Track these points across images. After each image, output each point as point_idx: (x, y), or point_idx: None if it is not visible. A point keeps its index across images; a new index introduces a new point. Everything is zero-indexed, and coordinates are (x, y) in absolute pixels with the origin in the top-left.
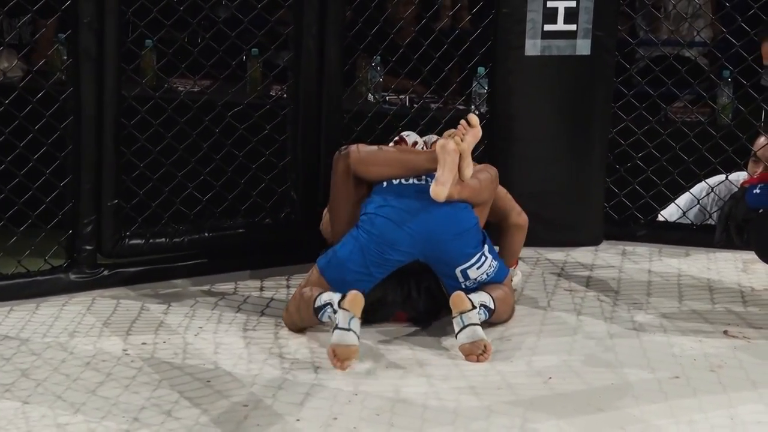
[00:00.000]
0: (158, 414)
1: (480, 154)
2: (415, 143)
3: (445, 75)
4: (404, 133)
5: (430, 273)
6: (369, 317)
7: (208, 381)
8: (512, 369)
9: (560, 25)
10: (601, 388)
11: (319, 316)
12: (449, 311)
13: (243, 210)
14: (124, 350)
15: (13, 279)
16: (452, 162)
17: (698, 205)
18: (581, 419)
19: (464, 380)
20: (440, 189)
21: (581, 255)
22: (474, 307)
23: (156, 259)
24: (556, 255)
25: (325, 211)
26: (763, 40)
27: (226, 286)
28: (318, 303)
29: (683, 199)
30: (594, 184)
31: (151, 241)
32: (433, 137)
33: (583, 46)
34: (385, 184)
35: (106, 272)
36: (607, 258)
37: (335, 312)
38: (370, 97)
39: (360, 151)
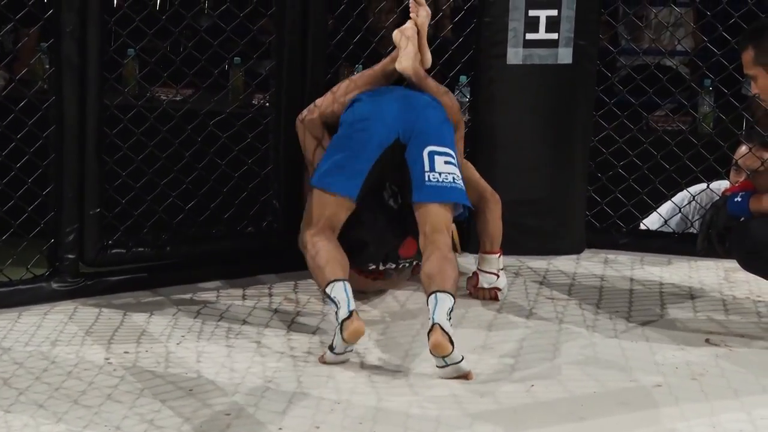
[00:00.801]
0: (140, 423)
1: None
2: None
3: None
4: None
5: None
6: (379, 262)
7: (191, 390)
8: (495, 377)
9: (542, 34)
10: (584, 396)
11: (324, 301)
12: None
13: (225, 218)
14: (107, 359)
15: None
16: (412, 34)
17: (680, 214)
18: (563, 427)
19: (447, 388)
20: (406, 61)
21: (563, 263)
22: (453, 347)
23: (138, 267)
24: (538, 263)
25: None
26: (743, 49)
27: (209, 295)
28: (328, 291)
29: (665, 208)
30: (576, 193)
31: (133, 249)
32: None
33: (565, 55)
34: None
35: (88, 281)
36: (589, 266)
37: (336, 333)
38: None
39: (318, 101)
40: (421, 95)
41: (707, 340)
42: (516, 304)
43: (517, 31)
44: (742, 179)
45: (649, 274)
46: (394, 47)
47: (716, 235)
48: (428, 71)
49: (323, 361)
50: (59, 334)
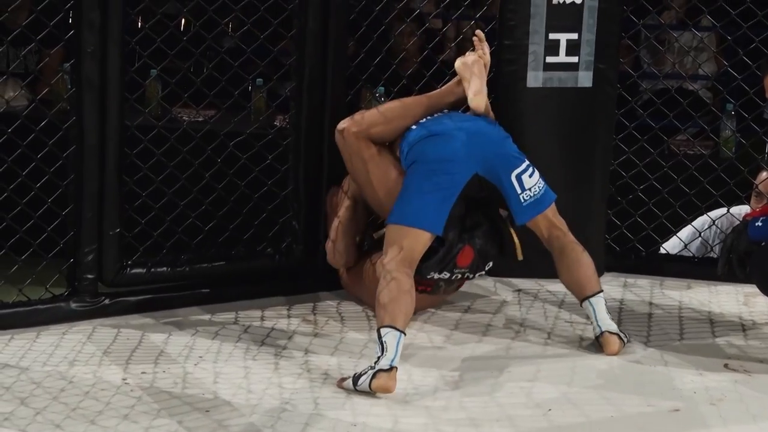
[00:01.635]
0: None
1: None
2: None
3: None
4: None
5: (482, 207)
6: (438, 270)
7: (207, 410)
8: (512, 401)
9: (562, 57)
10: (601, 420)
11: (376, 338)
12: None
13: (244, 239)
14: (124, 379)
15: (13, 307)
16: (479, 71)
17: (700, 238)
18: None
19: (463, 411)
20: (480, 97)
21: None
22: (624, 342)
23: (157, 288)
24: (557, 287)
25: (329, 242)
26: (765, 73)
27: (227, 316)
28: (383, 333)
29: (685, 232)
30: (595, 216)
31: (152, 270)
32: None
33: (585, 78)
34: (413, 127)
35: (107, 301)
36: (608, 290)
37: (367, 375)
38: None
39: (367, 115)
40: (483, 123)
41: (726, 365)
42: (534, 328)
43: (537, 54)
44: (763, 205)
45: (668, 299)
46: (417, 69)
47: (737, 260)
48: None
49: (341, 386)
50: (77, 354)
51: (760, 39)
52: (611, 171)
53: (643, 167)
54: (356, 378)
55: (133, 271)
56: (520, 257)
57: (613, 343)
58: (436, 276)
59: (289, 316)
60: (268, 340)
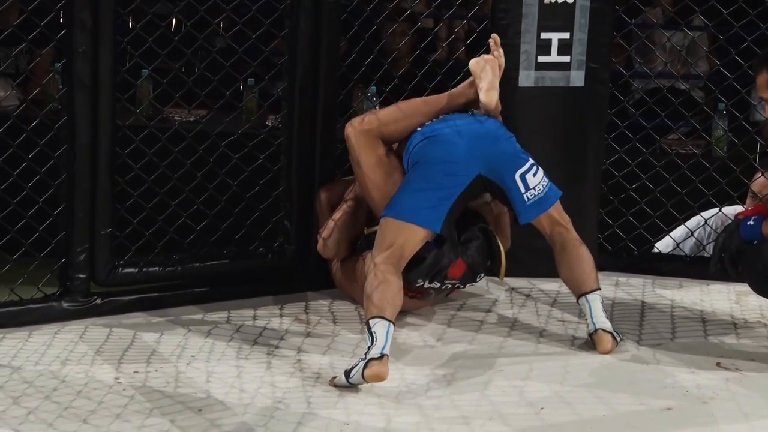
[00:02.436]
0: None
1: None
2: None
3: None
4: None
5: (477, 221)
6: (427, 279)
7: (200, 410)
8: (504, 399)
9: (554, 57)
10: (593, 419)
11: (365, 330)
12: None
13: (236, 239)
14: (116, 378)
15: (5, 307)
16: (493, 70)
17: (693, 238)
18: None
19: (456, 410)
20: (492, 93)
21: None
22: (617, 341)
23: (149, 287)
24: (550, 285)
25: (323, 230)
26: (758, 72)
27: (219, 315)
28: (371, 324)
29: (678, 232)
30: (587, 215)
31: (144, 269)
32: None
33: (577, 78)
34: (418, 129)
35: (99, 300)
36: (601, 291)
37: (358, 366)
38: None
39: (380, 113)
40: (488, 122)
41: (718, 364)
42: (527, 326)
43: (529, 54)
44: (755, 203)
45: (660, 298)
46: (408, 68)
47: (729, 259)
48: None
49: (333, 384)
50: (69, 353)
51: (752, 38)
52: (603, 170)
53: (636, 166)
54: (348, 371)
55: (125, 270)
56: (502, 277)
57: (606, 341)
58: (426, 285)
59: (281, 316)
60: (260, 339)
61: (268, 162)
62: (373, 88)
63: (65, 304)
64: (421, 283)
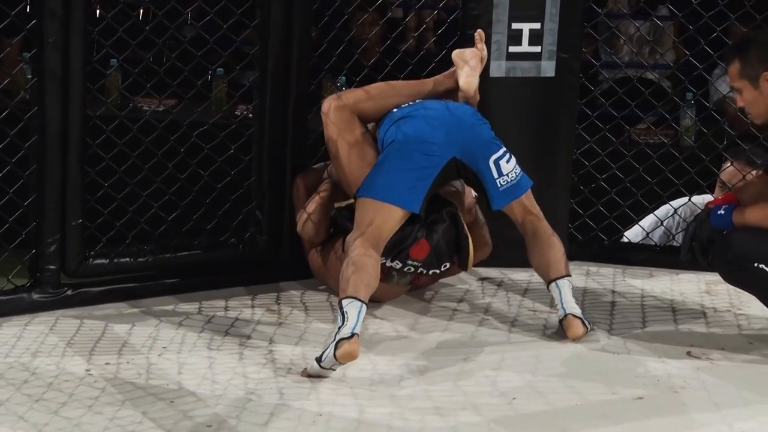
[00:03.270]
0: None
1: None
2: None
3: None
4: None
5: (446, 206)
6: (389, 257)
7: (172, 401)
8: (477, 389)
9: (525, 47)
10: (565, 408)
11: (337, 311)
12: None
13: (208, 230)
14: (87, 370)
15: None
16: (475, 62)
17: (663, 227)
18: None
19: (429, 401)
20: (471, 80)
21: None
22: (587, 329)
23: (120, 278)
24: (520, 275)
25: (303, 212)
26: (729, 62)
27: (191, 306)
28: (344, 303)
29: (647, 221)
30: (558, 205)
31: (115, 260)
32: None
33: (548, 68)
34: (394, 110)
35: (69, 292)
36: (571, 278)
37: (329, 348)
38: None
39: (358, 91)
40: (464, 108)
41: (688, 353)
42: (498, 316)
43: (500, 44)
44: (725, 193)
45: (630, 287)
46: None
47: (699, 248)
48: None
49: (306, 374)
50: (40, 345)
51: (720, 28)
52: (574, 160)
53: (606, 156)
54: (319, 357)
55: (96, 261)
56: (469, 268)
57: (577, 326)
58: (388, 263)
59: (253, 306)
60: (232, 330)
61: (240, 152)
62: (343, 78)
63: (35, 296)
64: (383, 261)
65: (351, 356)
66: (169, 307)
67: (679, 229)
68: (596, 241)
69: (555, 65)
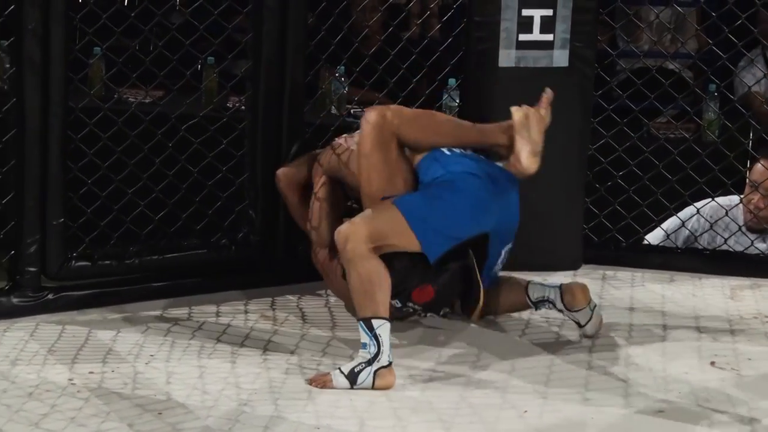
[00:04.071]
0: None
1: None
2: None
3: (414, 86)
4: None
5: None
6: (393, 296)
7: (160, 413)
8: (485, 401)
9: (536, 35)
10: (580, 423)
11: (361, 327)
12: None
13: (198, 230)
14: (70, 380)
15: None
16: (538, 126)
17: (686, 230)
18: None
19: (433, 413)
20: (534, 161)
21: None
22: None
23: (104, 282)
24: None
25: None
26: None
27: (180, 311)
28: (375, 325)
29: (669, 223)
30: (572, 205)
31: (99, 262)
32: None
33: (561, 58)
34: (447, 152)
35: (50, 296)
36: (587, 283)
37: (367, 373)
38: (334, 109)
39: (406, 112)
40: (515, 193)
41: (712, 363)
42: (508, 324)
43: (509, 32)
44: (757, 198)
45: (650, 292)
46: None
47: None
48: (416, 74)
49: (323, 385)
50: (19, 352)
51: (745, 15)
52: (589, 156)
53: (623, 152)
54: (351, 374)
55: (79, 263)
56: (475, 321)
57: (577, 286)
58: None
59: (246, 312)
60: (224, 337)
61: (232, 147)
62: (342, 68)
63: (14, 300)
64: None
65: (388, 387)
66: (157, 313)
67: (703, 231)
68: (613, 243)
69: (568, 54)
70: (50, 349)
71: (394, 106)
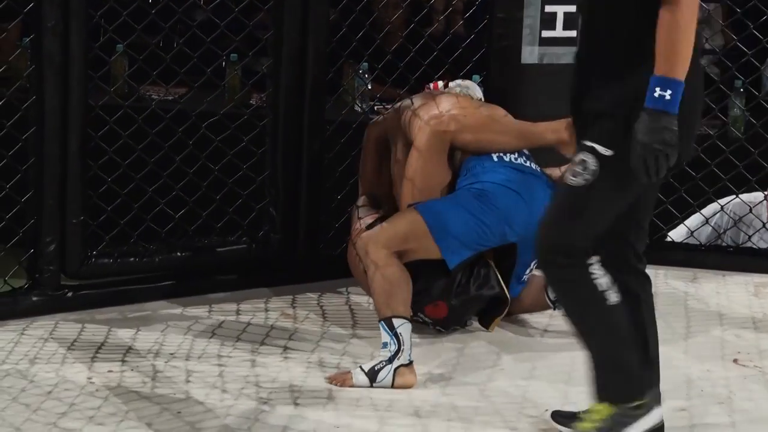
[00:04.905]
0: None
1: None
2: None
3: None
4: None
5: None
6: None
7: (179, 412)
8: (506, 400)
9: (559, 32)
10: None
11: (381, 325)
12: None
13: (218, 228)
14: (89, 378)
15: None
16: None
17: (709, 226)
18: None
19: (454, 412)
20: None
21: None
22: None
23: (124, 280)
24: None
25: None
26: None
27: (200, 310)
28: (396, 324)
29: (693, 220)
30: None
31: (119, 260)
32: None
33: None
34: (495, 158)
35: (70, 294)
36: None
37: (387, 371)
38: (357, 106)
39: (467, 117)
40: (546, 193)
41: (735, 361)
42: (530, 322)
43: (532, 28)
44: None
45: (673, 289)
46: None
47: None
48: (438, 71)
49: (343, 383)
50: (38, 351)
51: None
52: None
53: None
54: (372, 372)
55: (99, 261)
56: (491, 330)
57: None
58: None
59: (266, 310)
60: (244, 335)
61: (253, 145)
62: (365, 64)
63: (34, 298)
64: None
65: (409, 386)
66: (177, 311)
67: (728, 227)
68: None
69: None
70: (69, 347)
71: (449, 113)
